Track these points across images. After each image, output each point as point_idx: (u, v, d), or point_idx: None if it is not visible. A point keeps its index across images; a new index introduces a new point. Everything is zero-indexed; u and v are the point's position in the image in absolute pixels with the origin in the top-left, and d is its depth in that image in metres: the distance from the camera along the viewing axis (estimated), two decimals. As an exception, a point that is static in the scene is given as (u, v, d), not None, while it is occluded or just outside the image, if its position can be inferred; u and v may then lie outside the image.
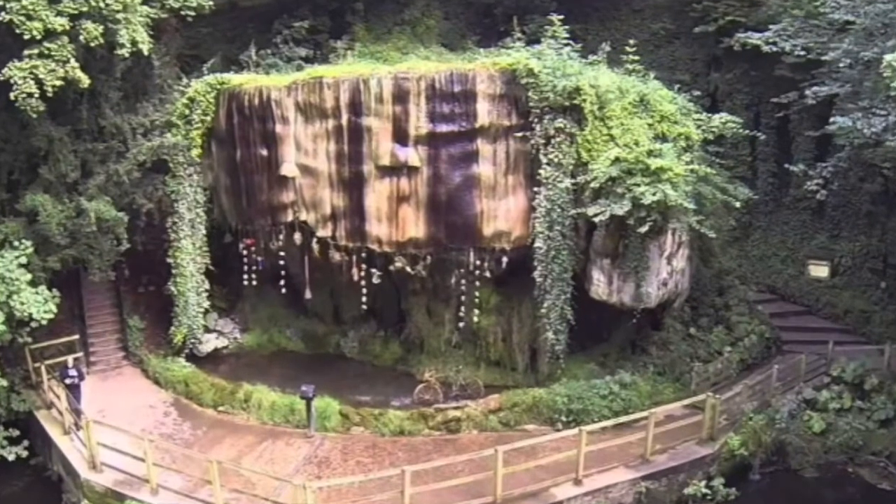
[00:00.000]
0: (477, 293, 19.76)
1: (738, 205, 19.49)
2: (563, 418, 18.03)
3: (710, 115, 20.49)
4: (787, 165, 23.11)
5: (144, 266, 21.94)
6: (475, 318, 19.92)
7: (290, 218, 20.01)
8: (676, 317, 20.56)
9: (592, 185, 17.75)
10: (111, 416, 17.98)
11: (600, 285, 18.75)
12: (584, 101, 18.05)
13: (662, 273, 18.83)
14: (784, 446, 18.09)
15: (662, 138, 18.65)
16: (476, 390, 19.50)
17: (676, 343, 20.13)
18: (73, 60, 17.13)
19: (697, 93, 22.03)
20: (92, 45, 17.45)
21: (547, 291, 18.82)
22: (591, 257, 18.84)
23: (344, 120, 18.83)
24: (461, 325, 20.22)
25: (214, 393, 19.43)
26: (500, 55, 19.70)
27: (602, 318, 19.75)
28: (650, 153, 17.65)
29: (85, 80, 17.43)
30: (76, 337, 20.69)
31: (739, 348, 20.73)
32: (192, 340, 21.07)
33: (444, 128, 18.58)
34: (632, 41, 20.35)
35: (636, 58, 19.89)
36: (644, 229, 17.24)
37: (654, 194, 16.82)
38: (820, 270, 23.81)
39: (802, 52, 21.01)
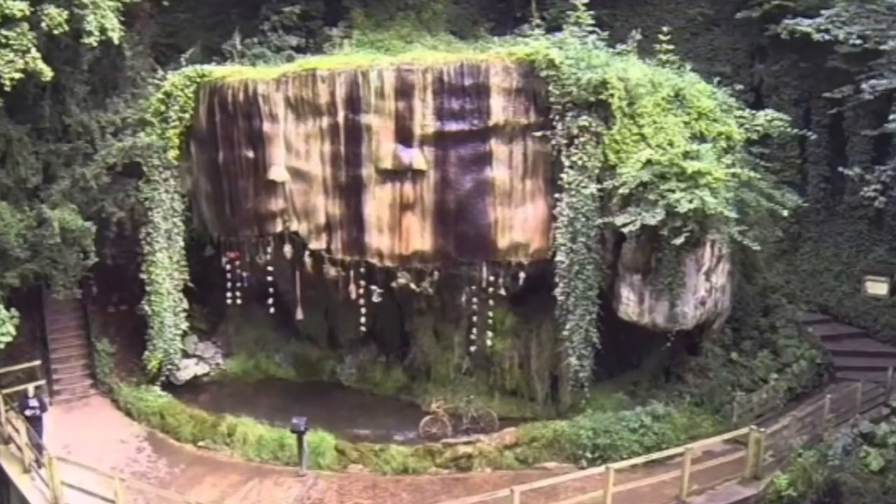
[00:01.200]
0: (490, 313, 19.80)
1: (785, 213, 19.49)
2: (588, 454, 18.06)
3: (753, 111, 20.53)
4: (841, 169, 22.95)
5: (115, 283, 22.02)
6: (488, 342, 19.95)
7: (279, 228, 20.09)
8: (716, 340, 20.58)
9: (621, 190, 17.80)
10: (77, 452, 18.02)
11: (630, 304, 18.78)
12: (612, 96, 18.12)
13: (700, 290, 18.86)
14: (838, 486, 17.94)
15: (700, 138, 18.71)
16: (489, 423, 19.51)
17: (716, 370, 20.15)
18: (34, 50, 17.25)
19: (740, 87, 21.92)
20: (55, 32, 17.59)
21: (570, 311, 18.84)
22: (619, 273, 18.87)
23: (340, 117, 18.91)
24: (473, 349, 20.26)
25: (194, 426, 19.47)
26: (516, 44, 19.79)
27: (632, 341, 19.78)
28: (686, 155, 17.71)
29: (47, 73, 17.55)
30: (37, 362, 20.70)
31: (787, 375, 20.73)
32: (169, 366, 21.13)
33: (453, 126, 18.66)
34: (665, 28, 20.41)
35: (670, 47, 19.97)
36: (679, 241, 17.25)
37: (690, 201, 16.85)
38: (878, 287, 23.76)
39: (858, 41, 20.88)
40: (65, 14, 17.50)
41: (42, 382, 20.19)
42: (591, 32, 19.64)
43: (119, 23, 18.90)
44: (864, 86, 20.65)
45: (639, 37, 20.09)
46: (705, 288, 18.97)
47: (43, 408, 18.63)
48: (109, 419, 20.36)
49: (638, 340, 19.80)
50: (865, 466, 18.17)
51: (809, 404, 19.90)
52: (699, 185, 17.15)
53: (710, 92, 19.70)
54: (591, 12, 19.95)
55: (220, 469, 18.23)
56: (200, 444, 19.22)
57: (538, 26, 20.60)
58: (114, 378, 21.40)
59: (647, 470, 16.87)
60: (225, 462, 18.55)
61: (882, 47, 20.11)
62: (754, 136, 20.11)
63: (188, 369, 21.77)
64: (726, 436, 17.97)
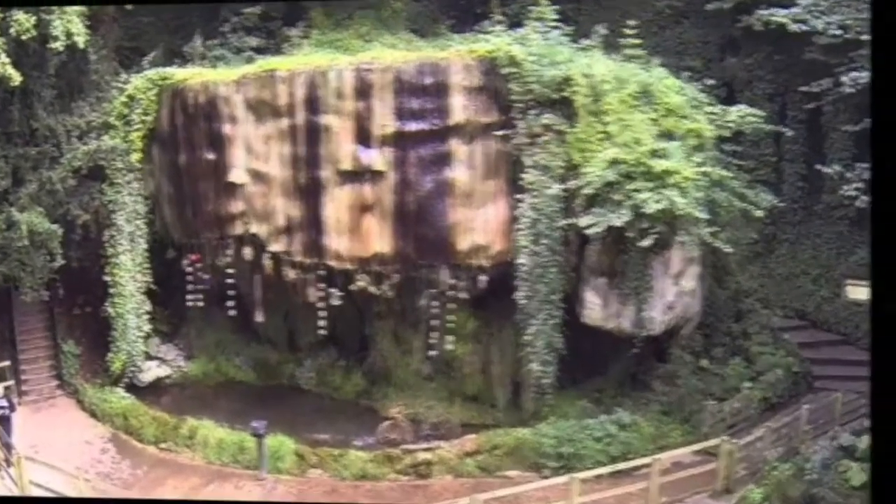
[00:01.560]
0: (451, 317, 19.63)
1: (759, 214, 19.16)
2: (552, 464, 17.78)
3: (725, 107, 20.16)
4: (819, 167, 22.53)
5: (80, 285, 22.19)
6: (449, 346, 19.80)
7: (239, 230, 20.17)
8: (685, 346, 20.13)
9: (585, 191, 17.60)
10: (44, 452, 18.13)
11: (595, 309, 18.54)
12: (576, 93, 17.99)
13: (668, 295, 18.58)
14: (815, 501, 17.48)
15: (668, 136, 18.36)
16: (450, 429, 19.41)
17: (685, 377, 19.67)
18: (3, 55, 17.46)
19: (711, 81, 21.45)
20: (24, 38, 17.75)
21: (532, 315, 18.62)
22: (583, 276, 18.64)
23: (299, 119, 18.96)
24: (433, 353, 20.09)
25: (156, 428, 19.60)
26: (477, 41, 19.68)
27: (597, 347, 19.44)
28: (654, 153, 17.48)
29: (16, 77, 17.82)
30: (6, 363, 20.94)
31: (761, 384, 20.14)
32: (132, 368, 21.30)
33: (413, 126, 18.62)
34: (632, 22, 19.95)
35: (637, 41, 19.56)
36: (647, 243, 17.08)
37: (658, 202, 16.69)
38: (859, 292, 22.85)
39: (838, 32, 20.53)
40: (32, 19, 17.67)
41: (11, 383, 20.42)
42: (555, 28, 19.47)
43: (84, 27, 19.06)
44: (844, 78, 20.24)
45: (604, 31, 19.79)
46: (674, 292, 18.66)
47: (12, 408, 18.87)
48: (75, 420, 20.56)
49: (603, 346, 19.47)
50: (846, 482, 17.63)
51: (785, 415, 19.31)
52: (667, 184, 16.96)
53: (679, 87, 19.31)
54: (555, 7, 19.72)
55: (182, 472, 18.33)
56: (162, 445, 19.31)
57: (500, 22, 20.34)
58: (79, 379, 21.59)
59: (613, 480, 16.61)
60: (186, 464, 18.64)
61: (863, 37, 19.59)
62: (726, 133, 19.67)
63: (150, 371, 21.87)
64: (696, 447, 17.58)
